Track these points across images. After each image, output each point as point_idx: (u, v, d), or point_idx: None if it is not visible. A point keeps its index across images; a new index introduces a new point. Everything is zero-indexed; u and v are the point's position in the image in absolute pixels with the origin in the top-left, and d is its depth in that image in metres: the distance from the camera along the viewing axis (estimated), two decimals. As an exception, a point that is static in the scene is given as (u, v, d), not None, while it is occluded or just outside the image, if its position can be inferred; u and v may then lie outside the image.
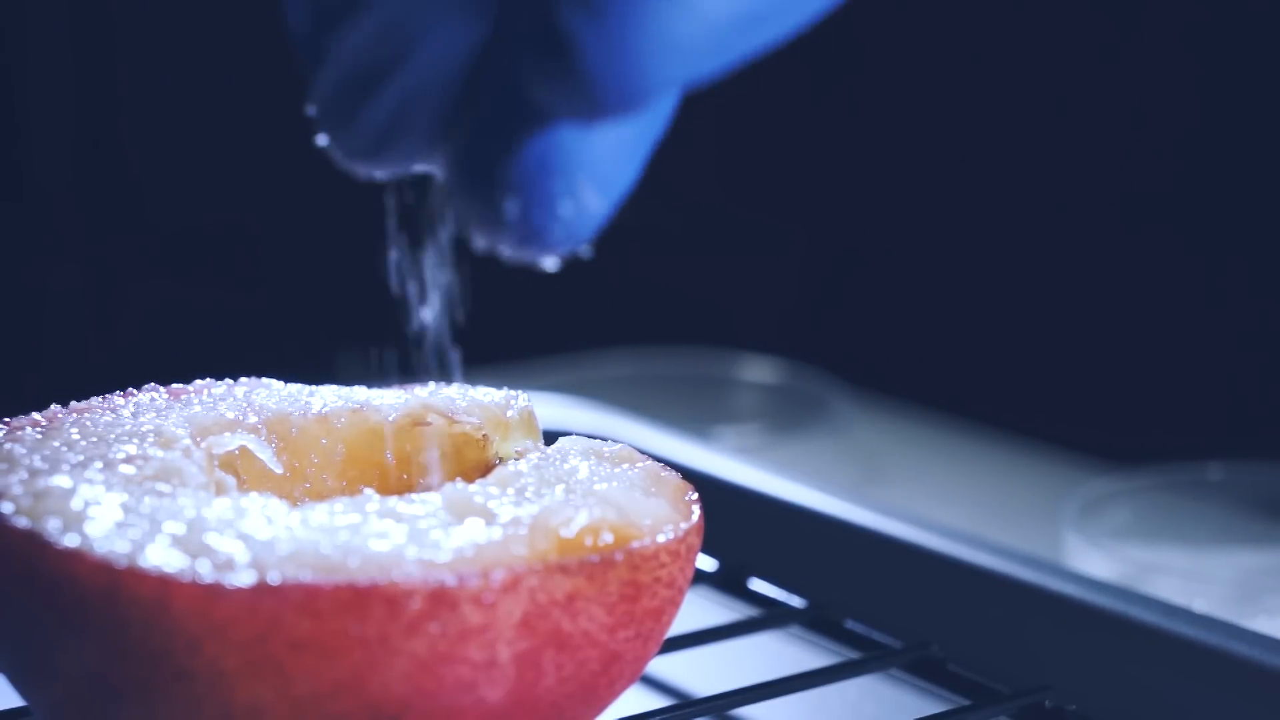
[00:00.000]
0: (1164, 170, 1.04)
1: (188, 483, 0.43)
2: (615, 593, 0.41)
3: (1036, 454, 1.04)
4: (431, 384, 0.50)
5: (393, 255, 0.47)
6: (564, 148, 0.36)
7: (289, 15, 0.38)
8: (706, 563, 0.60)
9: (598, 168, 0.37)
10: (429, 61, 0.37)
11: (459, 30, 0.36)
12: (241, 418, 0.47)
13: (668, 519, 0.43)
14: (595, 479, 0.45)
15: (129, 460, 0.43)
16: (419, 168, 0.39)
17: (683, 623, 0.48)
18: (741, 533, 0.62)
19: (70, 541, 0.39)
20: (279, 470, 0.47)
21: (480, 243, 0.38)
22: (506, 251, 0.38)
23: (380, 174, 0.39)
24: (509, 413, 0.49)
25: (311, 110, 0.38)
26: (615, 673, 0.42)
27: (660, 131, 0.37)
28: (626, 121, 0.36)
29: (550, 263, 0.38)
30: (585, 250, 0.38)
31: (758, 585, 0.59)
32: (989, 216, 1.14)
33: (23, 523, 0.40)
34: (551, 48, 0.34)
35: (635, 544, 0.42)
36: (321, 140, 0.38)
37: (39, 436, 0.44)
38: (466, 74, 0.37)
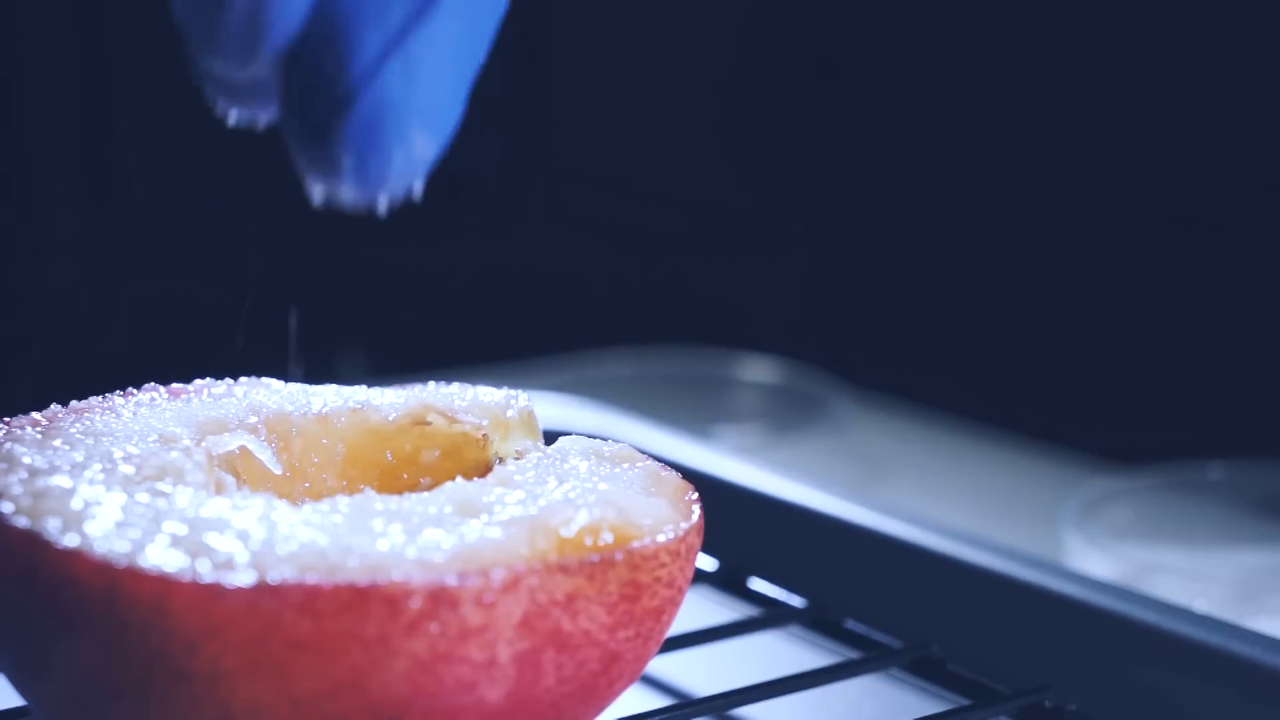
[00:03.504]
0: (1164, 170, 1.04)
1: (188, 483, 0.43)
2: (615, 593, 0.41)
3: (1036, 454, 1.03)
4: (432, 383, 0.50)
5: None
6: (393, 101, 0.39)
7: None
8: (706, 563, 0.60)
9: (426, 114, 0.40)
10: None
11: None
12: (241, 418, 0.47)
13: (668, 519, 0.43)
14: (595, 479, 0.45)
15: (129, 460, 0.43)
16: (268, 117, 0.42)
17: (683, 623, 0.48)
18: (741, 533, 0.62)
19: (70, 541, 0.39)
20: (279, 470, 0.47)
21: (318, 195, 0.41)
22: (346, 198, 0.40)
23: (261, 119, 0.42)
24: (509, 413, 0.49)
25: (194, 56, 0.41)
26: (615, 673, 0.42)
27: (476, 70, 0.40)
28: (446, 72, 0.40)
29: (383, 206, 0.41)
30: (417, 192, 0.41)
31: (758, 585, 0.59)
32: (989, 217, 1.13)
33: (23, 523, 0.40)
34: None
35: (635, 544, 0.42)
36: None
37: (39, 436, 0.44)
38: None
